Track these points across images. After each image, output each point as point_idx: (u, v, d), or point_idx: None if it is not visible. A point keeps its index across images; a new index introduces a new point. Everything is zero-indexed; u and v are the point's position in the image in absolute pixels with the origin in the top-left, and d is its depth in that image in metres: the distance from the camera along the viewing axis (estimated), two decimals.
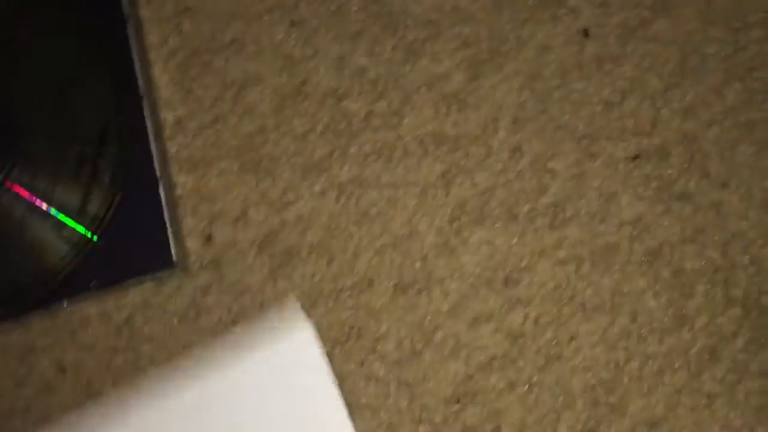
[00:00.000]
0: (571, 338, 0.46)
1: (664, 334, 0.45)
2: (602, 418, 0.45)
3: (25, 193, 0.46)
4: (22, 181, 0.46)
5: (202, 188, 0.48)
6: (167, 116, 0.49)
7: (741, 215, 0.46)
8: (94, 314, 0.47)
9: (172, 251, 0.46)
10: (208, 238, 0.48)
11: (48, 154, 0.47)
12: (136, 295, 0.47)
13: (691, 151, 0.47)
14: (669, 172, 0.46)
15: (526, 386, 0.45)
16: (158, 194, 0.47)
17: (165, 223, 0.47)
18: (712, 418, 0.44)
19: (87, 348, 0.47)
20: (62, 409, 0.46)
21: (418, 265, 0.47)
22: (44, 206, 0.46)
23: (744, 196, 0.46)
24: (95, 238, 0.46)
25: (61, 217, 0.46)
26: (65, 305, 0.47)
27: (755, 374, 0.45)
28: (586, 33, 0.48)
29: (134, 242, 0.47)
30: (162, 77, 0.49)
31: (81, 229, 0.46)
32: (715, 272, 0.46)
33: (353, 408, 0.45)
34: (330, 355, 0.46)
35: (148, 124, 0.48)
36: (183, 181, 0.48)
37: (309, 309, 0.47)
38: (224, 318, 0.47)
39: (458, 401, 0.46)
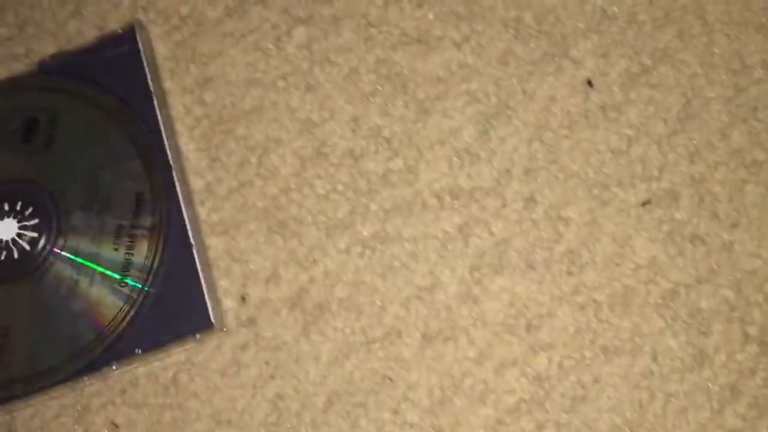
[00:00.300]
0: (595, 380, 0.47)
1: (685, 372, 0.46)
2: None
3: (73, 257, 0.49)
4: (68, 247, 0.49)
5: (234, 250, 0.50)
6: (196, 183, 0.51)
7: (752, 254, 0.47)
8: (142, 375, 0.49)
9: (210, 312, 0.48)
10: (243, 298, 0.50)
11: (88, 228, 0.50)
12: (179, 355, 0.49)
13: (700, 193, 0.47)
14: (679, 215, 0.47)
15: (555, 428, 0.47)
16: (193, 258, 0.49)
17: (201, 286, 0.49)
18: None
19: (138, 406, 0.49)
20: None
21: (442, 314, 0.48)
22: (93, 267, 0.49)
23: (755, 236, 0.47)
24: (147, 288, 0.48)
25: (111, 273, 0.49)
26: (114, 368, 0.49)
27: None
28: (589, 83, 0.49)
29: (173, 306, 0.49)
30: (189, 146, 0.51)
31: (131, 281, 0.49)
32: (731, 311, 0.46)
33: None
34: (364, 405, 0.48)
35: (179, 191, 0.50)
36: (215, 244, 0.50)
37: (343, 361, 0.48)
38: (264, 373, 0.49)
39: None
